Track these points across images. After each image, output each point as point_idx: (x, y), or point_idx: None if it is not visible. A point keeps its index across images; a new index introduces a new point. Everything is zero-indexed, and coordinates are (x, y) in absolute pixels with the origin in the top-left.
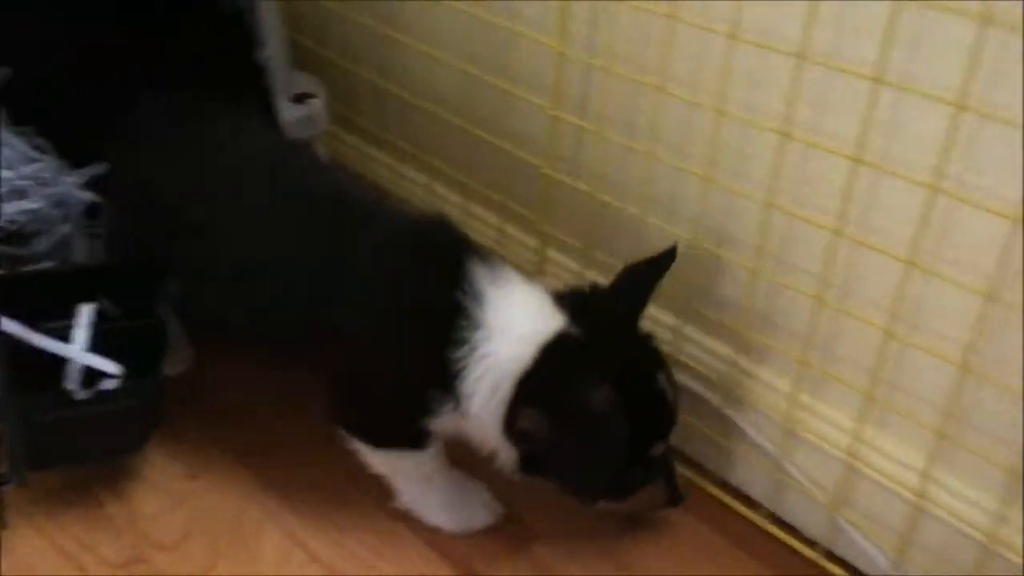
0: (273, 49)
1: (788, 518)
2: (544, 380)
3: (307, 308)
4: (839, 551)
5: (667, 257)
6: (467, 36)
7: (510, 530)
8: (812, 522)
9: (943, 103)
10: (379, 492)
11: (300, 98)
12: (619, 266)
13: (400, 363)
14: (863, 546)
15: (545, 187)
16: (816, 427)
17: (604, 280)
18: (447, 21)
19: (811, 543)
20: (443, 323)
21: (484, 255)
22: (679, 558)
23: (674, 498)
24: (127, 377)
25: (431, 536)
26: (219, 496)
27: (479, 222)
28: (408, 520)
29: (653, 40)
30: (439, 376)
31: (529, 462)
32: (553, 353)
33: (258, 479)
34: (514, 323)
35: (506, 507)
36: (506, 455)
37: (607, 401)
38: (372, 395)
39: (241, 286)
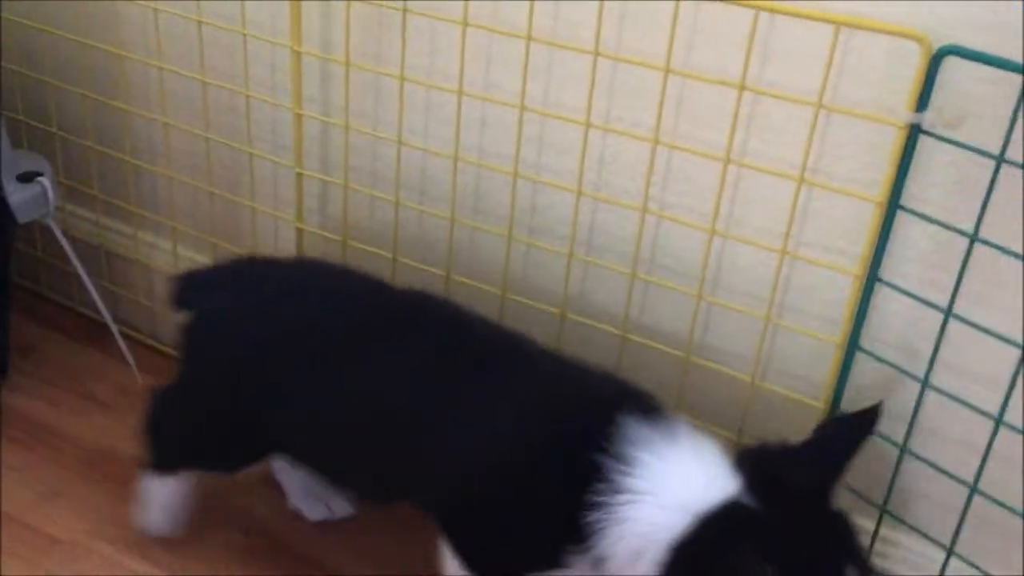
0: None
1: None
2: (700, 551)
3: (447, 457)
4: None
5: (872, 414)
6: (200, 102)
7: None
8: None
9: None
10: None
11: (27, 177)
12: None
13: (527, 520)
14: None
15: (300, 239)
16: None
17: None
18: (173, 86)
19: None
20: (575, 486)
21: (650, 412)
22: None
23: None
24: None
25: None
26: None
27: None
28: None
29: (384, 95)
30: (569, 534)
31: None
32: (715, 523)
33: None
34: (668, 489)
35: None
36: None
37: None
38: (498, 546)
39: (372, 442)
